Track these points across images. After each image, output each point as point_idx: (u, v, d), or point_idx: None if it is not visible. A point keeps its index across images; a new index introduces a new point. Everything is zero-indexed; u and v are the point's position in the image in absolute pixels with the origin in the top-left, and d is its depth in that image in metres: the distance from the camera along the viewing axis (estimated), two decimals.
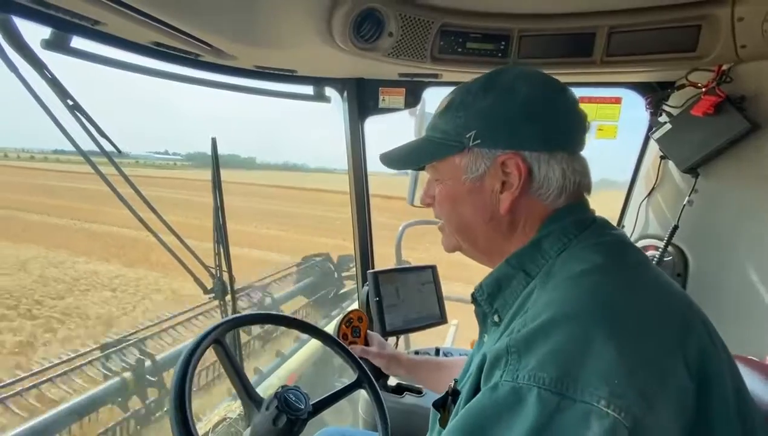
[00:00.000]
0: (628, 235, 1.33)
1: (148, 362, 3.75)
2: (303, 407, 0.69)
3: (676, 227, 1.15)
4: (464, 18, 1.05)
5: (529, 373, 0.40)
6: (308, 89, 1.37)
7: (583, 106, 1.39)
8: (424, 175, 0.69)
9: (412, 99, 1.35)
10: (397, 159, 0.69)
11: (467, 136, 0.57)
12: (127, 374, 3.61)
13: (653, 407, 0.38)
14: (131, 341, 4.01)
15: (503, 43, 1.10)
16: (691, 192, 1.14)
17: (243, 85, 1.28)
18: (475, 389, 0.48)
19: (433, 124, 0.64)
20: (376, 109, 1.37)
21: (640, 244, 1.30)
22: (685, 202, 1.15)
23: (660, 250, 1.19)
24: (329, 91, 1.38)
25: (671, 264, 1.19)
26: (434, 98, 1.54)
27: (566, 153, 0.57)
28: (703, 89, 1.06)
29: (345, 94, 1.38)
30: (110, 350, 3.87)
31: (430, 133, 0.64)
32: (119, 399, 3.54)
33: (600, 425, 0.36)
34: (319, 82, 1.35)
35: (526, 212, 0.57)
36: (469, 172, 0.58)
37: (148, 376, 3.67)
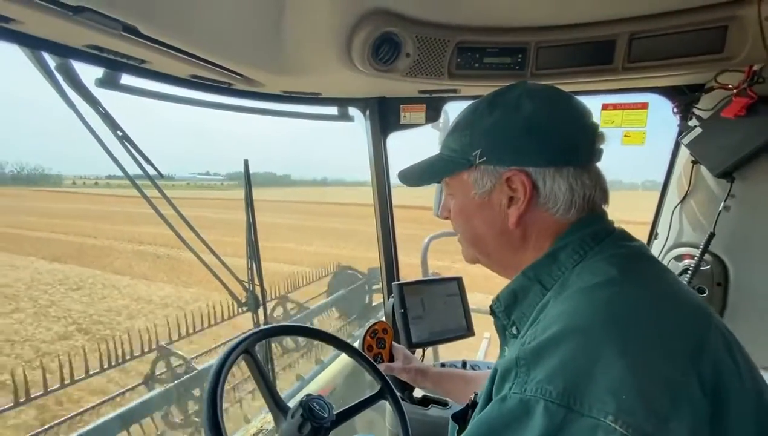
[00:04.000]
0: (662, 242, 1.28)
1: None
2: (326, 415, 0.72)
3: (712, 235, 1.10)
4: (480, 34, 1.07)
5: (536, 385, 0.41)
6: (332, 110, 1.44)
7: (608, 113, 1.37)
8: None
9: (433, 114, 1.38)
10: (411, 176, 0.72)
11: (473, 154, 0.59)
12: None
13: (665, 425, 0.37)
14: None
15: (520, 55, 1.10)
16: (727, 197, 1.09)
17: (272, 109, 1.36)
18: (488, 401, 0.49)
19: (445, 142, 0.67)
20: (398, 126, 1.41)
21: (675, 252, 1.24)
22: (720, 208, 1.10)
23: (696, 258, 1.13)
24: (352, 111, 1.44)
25: (709, 273, 1.13)
26: (457, 111, 1.56)
27: (573, 167, 0.56)
28: (734, 91, 1.02)
29: (367, 112, 1.43)
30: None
31: (442, 151, 0.67)
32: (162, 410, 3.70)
33: None
34: (342, 102, 1.41)
35: (536, 225, 0.58)
36: (477, 187, 0.61)
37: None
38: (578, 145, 0.58)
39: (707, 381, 0.42)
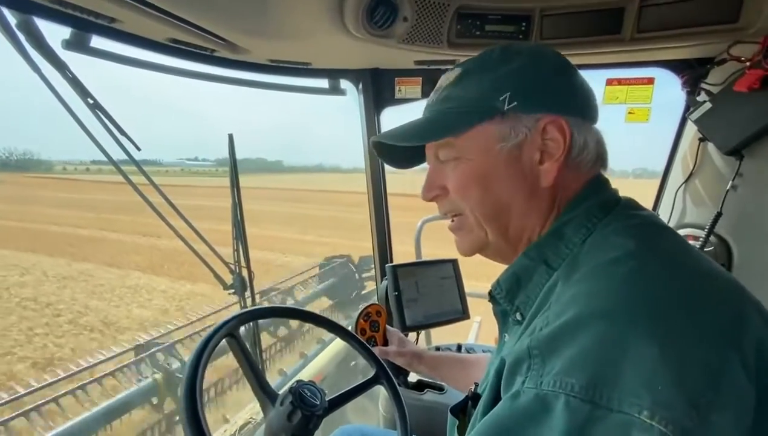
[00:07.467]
0: None
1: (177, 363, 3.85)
2: (318, 402, 0.66)
3: (719, 214, 1.06)
4: None
5: (554, 378, 0.35)
6: (323, 82, 1.35)
7: (612, 88, 1.31)
8: None
9: (429, 88, 1.31)
10: (404, 136, 0.56)
11: (500, 98, 0.50)
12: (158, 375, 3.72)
13: (707, 418, 0.32)
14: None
15: (524, 23, 1.04)
16: (734, 176, 1.05)
17: (258, 80, 1.28)
18: (494, 397, 0.44)
19: (445, 96, 0.55)
20: (393, 100, 1.33)
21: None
22: (728, 188, 1.06)
23: (701, 239, 1.10)
24: (344, 84, 1.36)
25: (713, 255, 1.10)
26: None
27: (593, 123, 0.54)
28: (748, 63, 0.97)
29: (360, 86, 1.35)
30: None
31: (441, 107, 0.55)
32: (150, 400, 3.64)
33: None
34: (334, 74, 1.33)
35: (564, 184, 0.52)
36: (505, 140, 0.51)
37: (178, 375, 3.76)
38: (594, 102, 0.55)
39: (750, 364, 0.37)
